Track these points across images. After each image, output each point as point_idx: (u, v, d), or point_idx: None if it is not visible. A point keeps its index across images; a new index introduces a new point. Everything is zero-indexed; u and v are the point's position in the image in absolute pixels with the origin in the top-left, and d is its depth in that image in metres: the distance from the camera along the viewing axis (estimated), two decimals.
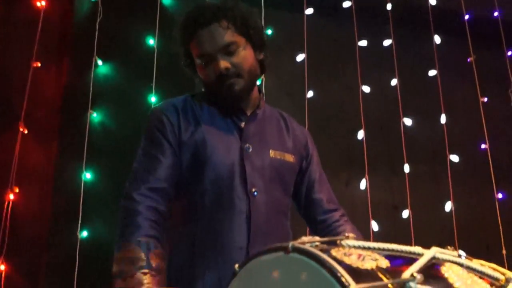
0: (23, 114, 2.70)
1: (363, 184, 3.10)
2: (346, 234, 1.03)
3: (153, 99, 2.88)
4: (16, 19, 2.86)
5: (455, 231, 3.07)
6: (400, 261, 0.97)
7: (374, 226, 3.02)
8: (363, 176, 3.11)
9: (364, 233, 2.95)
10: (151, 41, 2.98)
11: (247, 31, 1.61)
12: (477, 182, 3.28)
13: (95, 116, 2.84)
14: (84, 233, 2.65)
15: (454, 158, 3.25)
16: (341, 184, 3.21)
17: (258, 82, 1.80)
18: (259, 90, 1.73)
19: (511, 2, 3.66)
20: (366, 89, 3.28)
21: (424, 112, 3.38)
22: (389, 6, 3.41)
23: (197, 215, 1.53)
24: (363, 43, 3.35)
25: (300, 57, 3.23)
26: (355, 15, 3.31)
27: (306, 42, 3.19)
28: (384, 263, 0.92)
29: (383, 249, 1.02)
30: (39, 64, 2.79)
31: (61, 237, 2.67)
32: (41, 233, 2.69)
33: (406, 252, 1.04)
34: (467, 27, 3.45)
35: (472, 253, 3.01)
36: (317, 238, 1.03)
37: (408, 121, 3.27)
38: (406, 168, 3.19)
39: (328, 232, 1.68)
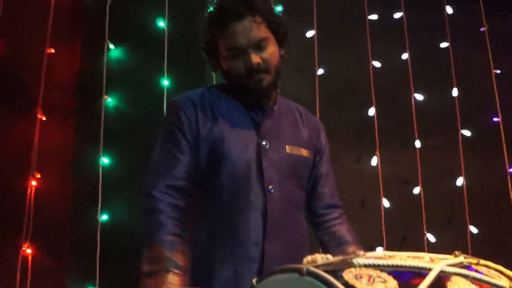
0: (40, 101, 2.75)
1: (374, 161, 3.14)
2: (357, 253, 1.08)
3: (165, 82, 2.91)
4: (28, 6, 2.88)
5: (466, 205, 3.13)
6: (409, 279, 1.03)
7: (385, 203, 3.08)
8: (374, 152, 3.14)
9: (375, 210, 3.04)
10: (161, 23, 2.98)
11: (277, 28, 1.64)
12: (489, 156, 3.30)
13: (109, 101, 2.89)
14: (104, 217, 2.76)
15: (466, 132, 3.27)
16: (352, 160, 3.25)
17: None
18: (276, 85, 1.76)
19: None
20: (376, 64, 3.27)
21: (435, 85, 3.38)
22: None
23: (214, 210, 1.59)
24: (373, 16, 3.32)
25: (310, 33, 3.22)
26: None
27: (316, 18, 3.17)
28: (393, 284, 0.98)
29: (393, 266, 1.08)
30: (52, 50, 2.82)
31: (82, 220, 2.78)
32: (62, 216, 2.80)
33: (414, 267, 1.09)
34: None
35: (483, 226, 3.08)
36: (330, 257, 1.09)
37: (419, 96, 3.28)
38: (417, 143, 3.21)
39: (325, 228, 1.75)
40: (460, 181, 3.21)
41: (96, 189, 2.73)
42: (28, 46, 2.88)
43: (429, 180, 3.20)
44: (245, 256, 1.54)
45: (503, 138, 3.24)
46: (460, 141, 3.24)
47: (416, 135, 3.22)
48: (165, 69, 2.90)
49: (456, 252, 1.31)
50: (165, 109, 2.84)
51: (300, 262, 1.48)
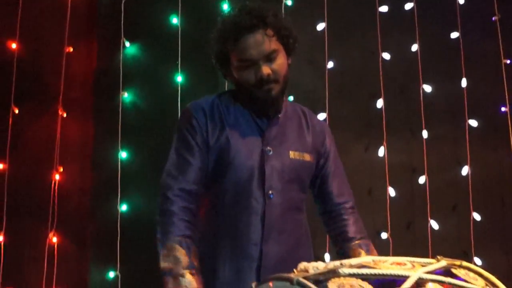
0: (60, 98, 2.91)
1: (381, 151, 3.23)
2: (340, 263, 1.21)
3: (179, 78, 3.03)
4: (45, 6, 3.01)
5: (470, 194, 3.22)
6: (387, 287, 1.16)
7: (391, 191, 3.18)
8: (382, 142, 3.24)
9: (382, 198, 3.15)
10: (174, 20, 3.08)
11: (287, 40, 1.73)
12: (496, 146, 3.36)
13: (126, 97, 3.03)
14: (124, 207, 2.93)
15: (473, 122, 3.33)
16: (361, 150, 3.35)
17: None
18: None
19: None
20: (386, 55, 3.33)
21: (444, 76, 3.42)
22: None
23: (218, 212, 1.73)
24: (383, 8, 3.36)
25: (321, 26, 3.29)
26: None
27: (326, 10, 3.24)
28: None
29: (374, 274, 1.20)
30: (71, 49, 2.96)
31: (103, 210, 2.97)
32: (84, 207, 2.99)
33: (394, 275, 1.22)
34: None
35: (488, 213, 3.16)
36: (321, 266, 1.22)
37: (427, 88, 3.34)
38: (425, 133, 3.29)
39: (333, 223, 1.86)
40: (465, 171, 3.29)
41: (115, 181, 2.91)
42: (47, 45, 3.03)
43: (435, 169, 3.28)
44: (246, 255, 1.68)
45: (510, 128, 3.30)
46: (467, 131, 3.31)
47: (424, 125, 3.29)
48: (179, 66, 3.02)
49: (438, 257, 1.43)
50: (179, 104, 2.98)
51: (298, 260, 1.63)
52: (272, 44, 1.68)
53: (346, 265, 1.21)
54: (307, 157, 1.81)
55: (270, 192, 1.71)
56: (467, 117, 3.33)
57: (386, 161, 3.21)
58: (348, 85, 3.36)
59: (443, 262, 1.40)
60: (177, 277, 1.55)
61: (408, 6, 3.43)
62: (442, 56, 3.44)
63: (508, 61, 3.41)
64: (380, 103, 3.27)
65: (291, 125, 1.83)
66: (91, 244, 3.01)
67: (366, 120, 3.36)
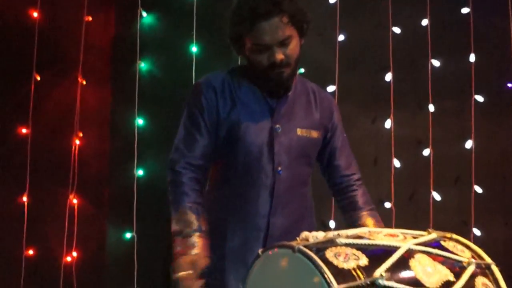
0: (80, 66, 3.03)
1: (388, 123, 3.33)
2: (338, 233, 1.34)
3: (194, 49, 3.12)
4: None
5: (473, 167, 3.32)
6: (378, 257, 1.29)
7: (396, 162, 3.30)
8: (389, 114, 3.33)
9: (387, 170, 3.27)
10: None
11: (301, 25, 1.78)
12: (500, 121, 3.44)
13: (143, 66, 3.14)
14: (140, 172, 3.09)
15: (479, 97, 3.40)
16: (368, 121, 3.44)
17: None
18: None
19: None
20: (396, 30, 3.39)
21: (453, 51, 3.47)
22: None
23: (229, 185, 1.84)
24: None
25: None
26: None
27: None
28: (364, 261, 1.25)
29: (368, 244, 1.34)
30: (90, 18, 3.06)
31: (120, 174, 3.13)
32: (103, 171, 3.15)
33: (386, 246, 1.35)
34: None
35: (489, 186, 3.27)
36: (320, 235, 1.36)
37: (436, 62, 3.40)
38: (431, 107, 3.38)
39: (342, 194, 1.97)
40: (469, 144, 3.38)
41: (132, 147, 3.05)
42: (66, 14, 3.13)
43: (439, 142, 3.36)
44: (254, 226, 1.80)
45: None
46: (473, 106, 3.39)
47: (431, 99, 3.37)
48: (194, 37, 3.10)
49: (429, 229, 1.56)
50: (194, 74, 3.08)
51: (302, 230, 1.77)
52: (286, 30, 1.72)
53: (343, 236, 1.36)
54: (314, 134, 1.90)
55: (279, 168, 1.81)
56: (473, 92, 3.40)
57: (393, 133, 3.31)
58: (358, 58, 3.42)
59: (434, 235, 1.53)
60: (185, 237, 1.68)
61: None
62: (452, 31, 3.48)
63: None
64: (389, 77, 3.35)
65: (299, 102, 1.90)
66: (108, 206, 3.19)
67: (374, 93, 3.44)
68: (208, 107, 1.81)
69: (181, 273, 1.60)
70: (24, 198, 2.98)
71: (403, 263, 1.30)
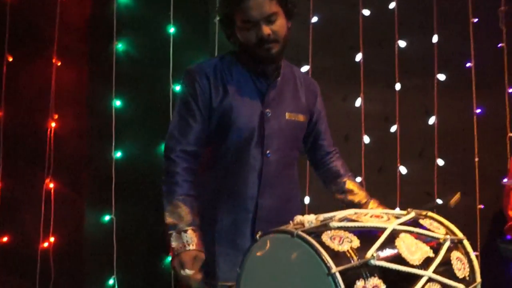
0: (55, 46, 2.99)
1: (358, 102, 3.48)
2: (329, 216, 1.48)
3: (171, 29, 3.13)
4: None
5: (436, 141, 3.54)
6: (368, 238, 1.43)
7: (366, 139, 3.47)
8: (359, 92, 3.47)
9: (357, 145, 3.43)
10: None
11: (286, 3, 1.87)
12: (460, 98, 3.63)
13: (119, 46, 3.13)
14: (118, 154, 3.11)
15: (441, 76, 3.59)
16: (339, 99, 3.58)
17: None
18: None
19: None
20: (366, 12, 3.51)
21: (418, 32, 3.63)
22: None
23: (220, 168, 1.93)
24: None
25: None
26: None
27: None
28: (356, 243, 1.39)
29: (358, 227, 1.48)
30: None
31: (98, 157, 3.13)
32: (80, 153, 3.13)
33: (374, 228, 1.49)
34: None
35: (450, 159, 3.49)
36: (311, 218, 1.49)
37: (402, 43, 3.55)
38: (398, 85, 3.55)
39: (324, 166, 2.16)
40: (432, 120, 3.59)
41: (109, 129, 3.06)
42: None
43: (406, 118, 3.55)
44: (243, 207, 1.91)
45: (473, 82, 3.58)
46: (436, 84, 3.58)
47: (397, 77, 3.54)
48: (171, 17, 3.11)
49: (408, 209, 1.71)
50: (171, 55, 3.10)
51: (289, 211, 1.92)
52: (272, 6, 1.82)
53: (335, 219, 1.49)
54: (301, 117, 2.02)
55: (268, 151, 1.91)
56: (436, 71, 3.59)
57: (363, 111, 3.47)
58: (330, 38, 3.53)
59: (413, 214, 1.69)
60: (180, 232, 1.78)
61: None
62: (417, 14, 3.64)
63: (476, 20, 3.63)
64: (359, 57, 3.48)
65: (287, 87, 2.01)
66: (86, 189, 3.17)
67: (345, 72, 3.56)
68: (202, 94, 1.89)
69: (188, 271, 1.72)
70: None
71: (390, 243, 1.45)
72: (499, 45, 3.63)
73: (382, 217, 1.60)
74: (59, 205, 3.04)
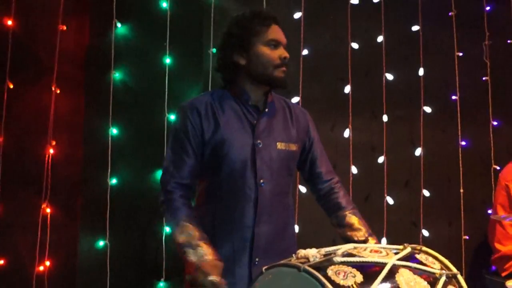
0: (54, 74, 3.05)
1: (346, 132, 3.58)
2: (331, 251, 1.54)
3: (167, 60, 3.22)
4: None
5: (422, 172, 3.65)
6: (370, 273, 1.51)
7: (354, 169, 3.57)
8: (347, 122, 3.58)
9: (345, 175, 3.53)
10: (164, 4, 3.23)
11: None
12: (446, 129, 3.77)
13: (116, 75, 3.20)
14: (113, 180, 3.16)
15: (427, 108, 3.73)
16: (327, 129, 3.68)
17: None
18: None
19: None
20: (354, 45, 3.64)
21: (405, 65, 3.77)
22: None
23: (215, 199, 2.00)
24: (355, 1, 3.63)
25: (297, 15, 3.54)
26: None
27: (303, 1, 3.49)
28: (360, 278, 1.46)
29: (360, 262, 1.55)
30: (64, 28, 3.09)
31: (93, 183, 3.17)
32: (75, 180, 3.18)
33: (375, 263, 1.57)
34: None
35: (435, 189, 3.59)
36: (313, 252, 1.55)
37: (389, 76, 3.68)
38: (385, 117, 3.66)
39: (326, 197, 2.19)
40: (418, 151, 3.71)
41: (105, 156, 3.11)
42: (40, 22, 3.13)
43: (392, 149, 3.66)
44: (240, 237, 1.97)
45: (458, 114, 3.73)
46: (422, 116, 3.71)
47: (385, 109, 3.66)
48: (167, 47, 3.20)
49: (405, 244, 1.79)
50: (167, 85, 3.18)
51: (285, 239, 2.01)
52: None
53: (338, 254, 1.56)
54: (293, 146, 2.09)
55: (262, 180, 1.98)
56: (422, 103, 3.72)
57: (351, 142, 3.57)
58: (319, 70, 3.64)
59: (408, 249, 1.77)
60: (195, 247, 1.82)
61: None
62: (403, 47, 3.79)
63: (461, 54, 3.79)
64: (347, 89, 3.60)
65: (277, 117, 2.09)
66: (81, 215, 3.22)
67: (334, 102, 3.67)
68: (193, 130, 1.98)
69: (213, 277, 1.74)
70: None
71: (390, 278, 1.52)
72: (484, 78, 3.80)
73: (380, 252, 1.67)
74: (55, 230, 3.07)
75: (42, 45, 3.13)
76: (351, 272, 1.47)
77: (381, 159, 3.64)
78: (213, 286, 1.74)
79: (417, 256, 1.72)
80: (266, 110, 2.06)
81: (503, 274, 3.08)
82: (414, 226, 3.60)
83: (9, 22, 3.01)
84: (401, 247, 1.76)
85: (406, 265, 1.61)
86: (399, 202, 3.63)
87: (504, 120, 3.84)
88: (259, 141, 2.00)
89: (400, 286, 1.51)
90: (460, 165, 3.68)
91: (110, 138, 3.14)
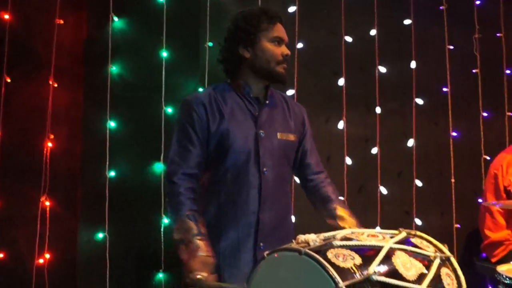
0: (52, 68, 3.08)
1: (341, 124, 3.65)
2: (330, 236, 1.60)
3: (164, 54, 3.25)
4: None
5: (414, 163, 3.72)
6: (368, 256, 1.56)
7: (348, 160, 3.63)
8: (341, 115, 3.64)
9: (339, 166, 3.59)
10: None
11: None
12: (437, 121, 3.85)
13: (114, 69, 3.23)
14: (112, 173, 3.18)
15: (419, 100, 3.80)
16: (322, 121, 3.74)
17: None
18: None
19: None
20: (348, 38, 3.69)
21: (397, 58, 3.84)
22: None
23: (220, 187, 2.06)
24: None
25: (292, 9, 3.58)
26: None
27: None
28: (358, 260, 1.52)
29: (358, 245, 1.61)
30: (62, 22, 3.11)
31: (92, 176, 3.20)
32: (74, 173, 3.21)
33: (372, 246, 1.63)
34: None
35: (427, 180, 3.68)
36: (312, 237, 1.61)
37: (382, 69, 3.75)
38: (378, 109, 3.73)
39: (315, 191, 2.25)
40: (411, 143, 3.78)
41: (104, 149, 3.14)
42: (37, 16, 3.15)
43: (385, 140, 3.74)
44: (245, 223, 2.03)
45: (449, 106, 3.80)
46: (414, 108, 3.78)
47: (378, 102, 3.73)
48: (164, 41, 3.23)
49: (400, 229, 1.85)
50: (163, 78, 3.21)
51: (285, 226, 2.06)
52: None
53: (337, 238, 1.61)
54: (291, 137, 2.17)
55: (265, 169, 2.06)
56: (414, 96, 3.79)
57: (345, 133, 3.63)
58: (314, 63, 3.70)
59: (404, 233, 1.83)
60: (188, 243, 1.88)
61: None
62: (396, 41, 3.85)
63: (451, 47, 3.87)
64: (341, 82, 3.66)
65: (277, 110, 2.18)
66: (80, 207, 3.25)
67: (328, 95, 3.73)
68: (199, 120, 2.04)
69: (199, 275, 1.79)
70: None
71: (387, 260, 1.58)
72: (474, 70, 3.88)
73: (377, 236, 1.73)
74: (54, 223, 3.11)
75: (40, 39, 3.15)
76: (350, 255, 1.53)
77: (374, 151, 3.70)
78: (199, 282, 1.79)
79: (412, 240, 1.78)
80: (267, 101, 2.14)
81: (493, 260, 3.17)
82: (407, 215, 3.68)
83: (6, 16, 3.03)
84: (396, 231, 1.82)
85: (402, 248, 1.67)
86: (393, 192, 3.71)
87: (494, 111, 3.93)
88: (261, 131, 2.08)
89: (396, 267, 1.57)
90: (452, 156, 3.76)
91: (108, 131, 3.17)
